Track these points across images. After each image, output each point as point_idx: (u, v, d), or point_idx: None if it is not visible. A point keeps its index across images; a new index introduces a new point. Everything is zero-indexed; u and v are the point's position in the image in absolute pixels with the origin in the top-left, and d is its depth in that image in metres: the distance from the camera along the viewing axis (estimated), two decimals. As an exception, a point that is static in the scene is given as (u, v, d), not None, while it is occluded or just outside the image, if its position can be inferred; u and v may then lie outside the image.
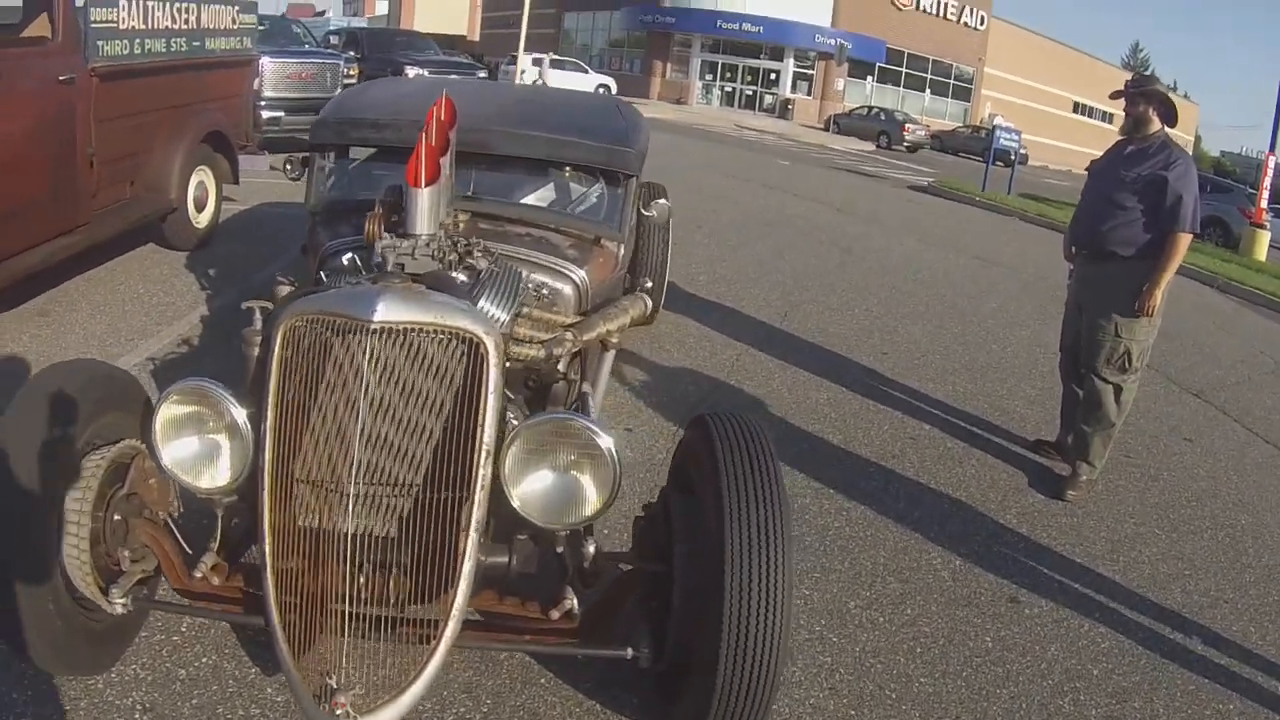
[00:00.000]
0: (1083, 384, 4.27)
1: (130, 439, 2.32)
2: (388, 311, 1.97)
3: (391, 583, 1.99)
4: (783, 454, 4.24)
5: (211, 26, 6.18)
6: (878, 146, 30.88)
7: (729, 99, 38.07)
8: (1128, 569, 3.68)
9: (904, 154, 30.09)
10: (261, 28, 14.26)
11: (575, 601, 2.20)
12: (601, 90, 32.42)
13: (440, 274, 2.48)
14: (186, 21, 5.79)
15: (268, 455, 2.01)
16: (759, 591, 1.97)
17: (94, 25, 4.75)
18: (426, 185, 2.52)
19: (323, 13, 53.77)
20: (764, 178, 15.05)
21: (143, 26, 5.24)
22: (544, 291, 2.99)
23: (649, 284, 5.02)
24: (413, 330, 1.99)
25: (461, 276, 2.73)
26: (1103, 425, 4.18)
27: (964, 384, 5.70)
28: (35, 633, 2.08)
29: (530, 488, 2.07)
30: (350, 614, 1.89)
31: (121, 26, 5.01)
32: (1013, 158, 18.39)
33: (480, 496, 2.01)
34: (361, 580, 1.93)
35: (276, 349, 2.05)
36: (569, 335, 2.78)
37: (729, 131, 26.37)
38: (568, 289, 3.17)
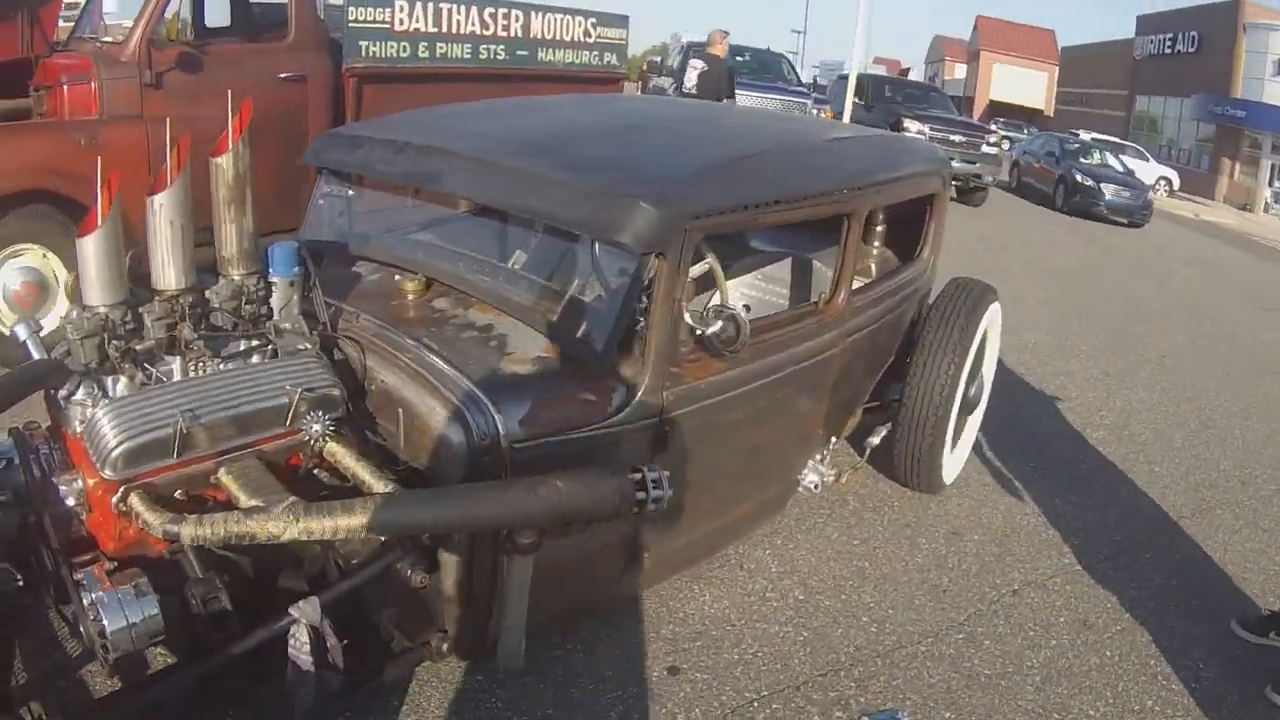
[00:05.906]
0: None
1: None
2: None
3: None
4: None
5: (548, 37, 5.79)
6: None
7: (1303, 212, 29.90)
8: None
9: None
10: (741, 58, 14.55)
11: None
12: (1161, 181, 27.29)
13: (28, 368, 1.63)
14: (507, 29, 5.44)
15: None
16: None
17: (353, 25, 4.54)
18: (100, 228, 1.62)
19: (907, 70, 53.79)
20: (1289, 308, 10.98)
21: (432, 29, 4.97)
22: (318, 427, 1.79)
23: (877, 439, 3.36)
24: None
25: (232, 361, 1.95)
26: None
27: None
28: None
29: None
30: None
31: (398, 28, 4.77)
32: None
33: None
34: None
35: None
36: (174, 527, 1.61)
37: (1287, 250, 20.41)
38: (455, 436, 1.82)
